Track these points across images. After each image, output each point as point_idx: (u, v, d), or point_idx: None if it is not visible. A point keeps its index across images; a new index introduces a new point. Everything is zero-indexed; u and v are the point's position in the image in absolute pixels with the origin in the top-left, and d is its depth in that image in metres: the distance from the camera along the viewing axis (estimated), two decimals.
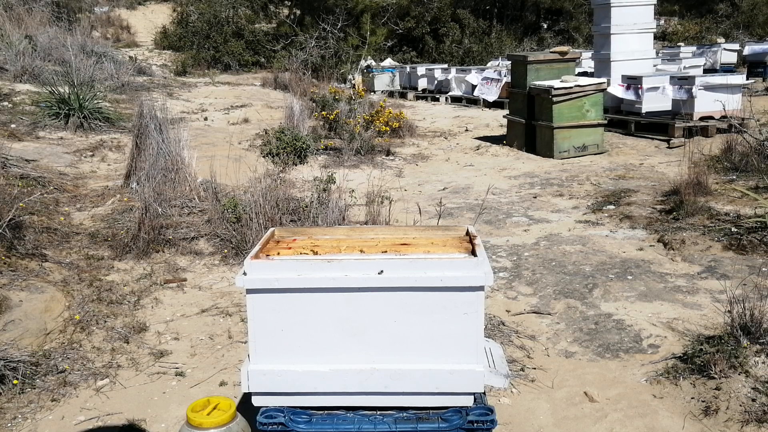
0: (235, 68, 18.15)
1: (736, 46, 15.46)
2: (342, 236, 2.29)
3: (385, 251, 2.04)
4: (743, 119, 7.90)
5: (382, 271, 1.87)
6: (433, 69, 15.34)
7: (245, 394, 2.00)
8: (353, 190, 5.60)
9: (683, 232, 4.83)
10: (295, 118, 8.82)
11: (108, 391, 2.98)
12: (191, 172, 5.52)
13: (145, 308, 3.80)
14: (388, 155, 8.66)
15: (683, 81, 8.57)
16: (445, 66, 15.89)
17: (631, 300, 3.86)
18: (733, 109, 8.04)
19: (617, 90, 9.31)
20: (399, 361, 1.92)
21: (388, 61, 18.02)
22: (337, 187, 5.23)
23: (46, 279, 3.80)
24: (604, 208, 5.75)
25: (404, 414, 1.96)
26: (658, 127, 8.80)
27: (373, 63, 17.27)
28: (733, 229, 4.74)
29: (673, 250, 4.60)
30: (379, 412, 1.96)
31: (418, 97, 15.43)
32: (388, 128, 8.99)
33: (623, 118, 9.33)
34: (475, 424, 1.92)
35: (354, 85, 15.13)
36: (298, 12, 21.22)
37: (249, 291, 1.91)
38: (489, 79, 13.10)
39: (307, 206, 4.87)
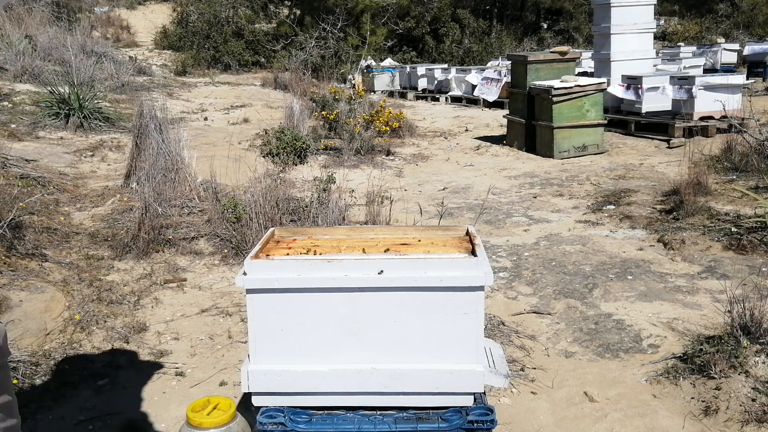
0: (235, 68, 18.14)
1: (736, 46, 15.46)
2: (342, 236, 2.29)
3: (386, 251, 2.04)
4: (743, 119, 7.89)
5: (382, 271, 1.87)
6: (433, 69, 15.34)
7: (245, 394, 2.00)
8: (353, 190, 5.60)
9: (683, 232, 4.83)
10: (295, 118, 8.82)
11: (108, 391, 2.98)
12: (191, 172, 5.52)
13: (145, 308, 3.80)
14: (388, 155, 8.65)
15: (683, 81, 8.57)
16: (445, 66, 15.89)
17: (631, 300, 3.86)
18: (733, 109, 8.04)
19: (617, 90, 9.31)
20: (399, 361, 1.92)
21: (388, 61, 18.02)
22: (337, 187, 5.23)
23: (46, 279, 3.80)
24: (604, 208, 5.75)
25: (404, 414, 1.96)
26: (658, 127, 8.80)
27: (373, 63, 17.27)
28: (733, 229, 4.74)
29: (673, 250, 4.60)
30: (379, 412, 1.96)
31: (418, 97, 15.43)
32: (388, 128, 8.99)
33: (623, 118, 9.33)
34: (475, 424, 1.92)
35: (354, 85, 15.13)
36: (298, 12, 21.23)
37: (249, 291, 1.91)
38: (489, 79, 13.10)
39: (307, 206, 4.87)
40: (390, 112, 9.38)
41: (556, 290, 4.06)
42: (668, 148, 8.17)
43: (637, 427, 2.67)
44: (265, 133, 8.37)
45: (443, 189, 6.87)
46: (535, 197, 6.35)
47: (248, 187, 5.21)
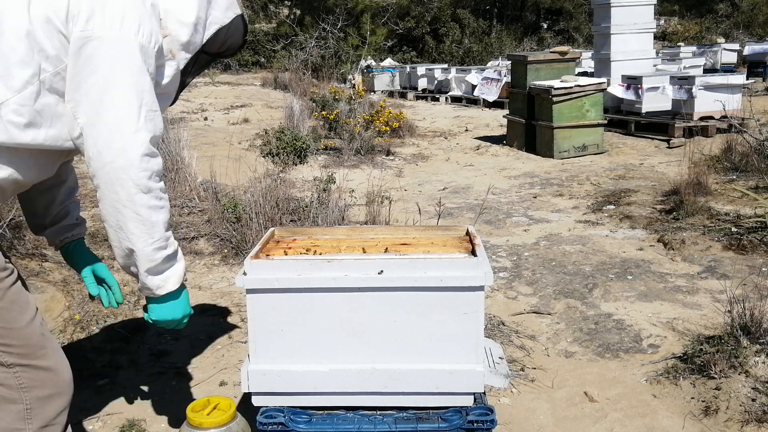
0: (235, 68, 18.15)
1: (736, 46, 15.48)
2: (342, 236, 2.29)
3: (386, 251, 2.04)
4: (743, 119, 7.90)
5: (382, 271, 1.87)
6: (433, 69, 15.35)
7: (245, 394, 2.00)
8: (353, 190, 5.60)
9: (683, 232, 4.83)
10: (295, 118, 8.82)
11: (108, 391, 2.98)
12: (191, 172, 5.52)
13: None
14: (388, 155, 8.66)
15: (683, 81, 8.58)
16: (445, 66, 15.90)
17: (631, 300, 3.86)
18: (733, 109, 8.05)
19: (617, 90, 9.31)
20: (399, 361, 1.92)
21: (388, 61, 18.04)
22: (337, 187, 5.23)
23: (46, 279, 3.80)
24: (604, 208, 5.75)
25: (404, 414, 1.96)
26: (658, 127, 8.81)
27: (373, 63, 17.28)
28: (733, 229, 4.74)
29: (673, 250, 4.60)
30: (379, 412, 1.96)
31: (418, 97, 15.44)
32: (388, 128, 9.00)
33: (623, 118, 9.33)
34: (475, 424, 1.92)
35: (354, 85, 15.14)
36: (298, 12, 21.25)
37: (249, 291, 1.90)
38: (489, 79, 13.10)
39: (307, 206, 4.87)
40: (390, 112, 9.38)
41: (556, 290, 4.06)
42: (668, 148, 8.17)
43: (637, 427, 2.67)
44: (265, 133, 8.37)
45: (443, 189, 6.87)
46: (535, 197, 6.36)
47: (248, 187, 5.21)
